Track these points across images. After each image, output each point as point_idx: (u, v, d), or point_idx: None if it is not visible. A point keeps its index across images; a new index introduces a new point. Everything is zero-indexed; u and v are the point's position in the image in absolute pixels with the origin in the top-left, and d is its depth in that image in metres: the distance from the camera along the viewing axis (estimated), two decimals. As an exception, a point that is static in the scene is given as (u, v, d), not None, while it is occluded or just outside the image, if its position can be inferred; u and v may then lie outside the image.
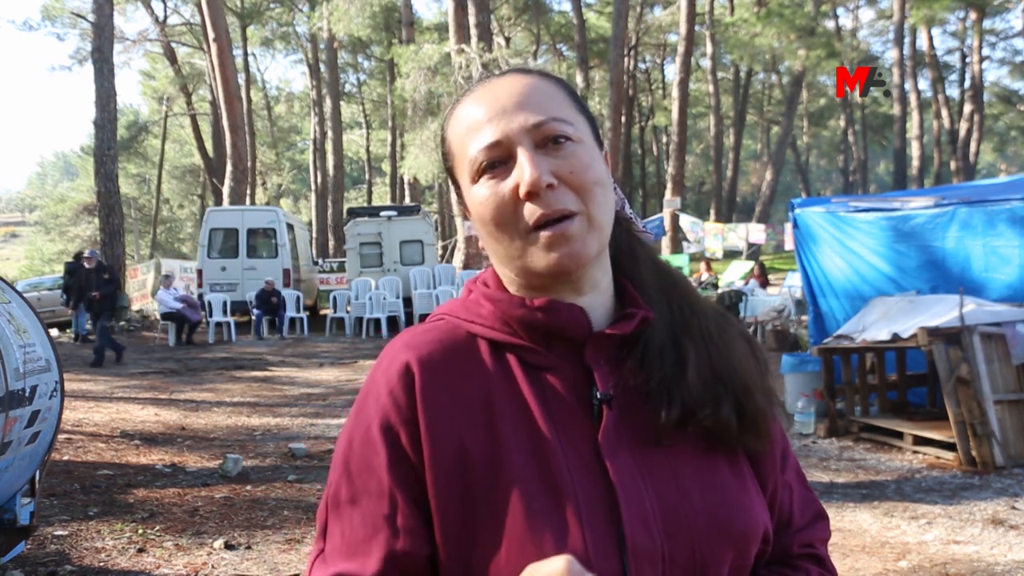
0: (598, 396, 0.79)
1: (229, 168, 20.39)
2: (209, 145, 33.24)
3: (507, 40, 32.49)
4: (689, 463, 0.79)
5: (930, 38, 33.94)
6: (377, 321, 15.21)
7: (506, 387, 0.79)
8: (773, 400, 0.86)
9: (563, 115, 0.80)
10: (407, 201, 28.39)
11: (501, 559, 0.73)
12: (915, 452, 5.73)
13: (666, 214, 21.32)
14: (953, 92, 37.56)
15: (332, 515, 0.80)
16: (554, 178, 0.76)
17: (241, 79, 27.81)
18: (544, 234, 0.76)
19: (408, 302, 15.46)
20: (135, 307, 18.04)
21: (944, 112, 35.37)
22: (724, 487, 0.80)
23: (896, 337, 5.81)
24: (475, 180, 0.80)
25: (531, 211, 0.77)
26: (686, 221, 20.41)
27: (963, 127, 33.43)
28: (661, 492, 0.77)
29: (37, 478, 3.45)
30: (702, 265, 17.16)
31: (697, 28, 27.07)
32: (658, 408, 0.79)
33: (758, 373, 0.86)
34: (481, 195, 0.79)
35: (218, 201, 24.74)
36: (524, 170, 0.76)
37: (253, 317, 14.93)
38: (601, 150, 0.84)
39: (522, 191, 0.76)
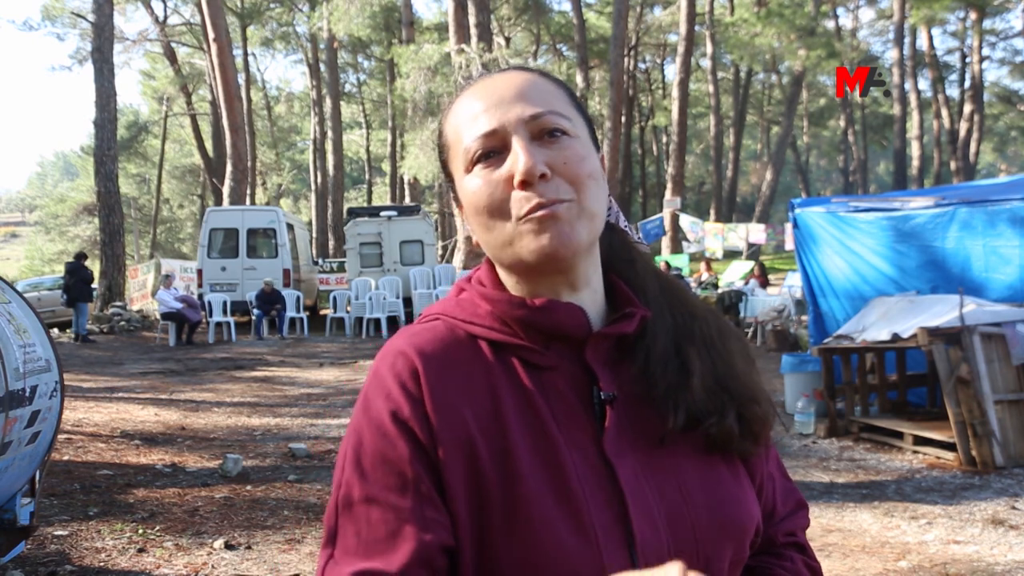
0: (601, 396, 0.79)
1: (229, 168, 20.40)
2: (209, 145, 33.25)
3: (507, 40, 32.48)
4: (689, 461, 0.81)
5: (930, 38, 33.97)
6: (377, 321, 15.22)
7: (510, 384, 0.79)
8: (772, 404, 0.87)
9: (560, 110, 0.80)
10: (407, 201, 28.40)
11: (514, 552, 0.73)
12: (915, 452, 5.73)
13: (666, 214, 21.31)
14: (953, 92, 37.59)
15: (344, 517, 0.76)
16: (548, 168, 0.76)
17: (241, 79, 27.82)
18: (534, 216, 0.76)
19: (408, 302, 15.48)
20: (135, 307, 18.04)
21: (944, 112, 35.37)
22: (722, 484, 0.81)
23: (896, 337, 5.81)
24: (469, 170, 0.80)
25: (524, 199, 0.76)
26: (686, 221, 20.42)
27: (963, 127, 33.44)
28: (664, 490, 0.78)
29: (37, 478, 3.45)
30: (702, 265, 17.16)
31: (697, 28, 27.08)
32: (663, 413, 0.80)
33: (753, 373, 0.87)
34: (474, 184, 0.79)
35: (218, 201, 24.75)
36: (519, 159, 0.76)
37: (253, 317, 14.94)
38: (597, 151, 0.84)
39: (516, 179, 0.76)
